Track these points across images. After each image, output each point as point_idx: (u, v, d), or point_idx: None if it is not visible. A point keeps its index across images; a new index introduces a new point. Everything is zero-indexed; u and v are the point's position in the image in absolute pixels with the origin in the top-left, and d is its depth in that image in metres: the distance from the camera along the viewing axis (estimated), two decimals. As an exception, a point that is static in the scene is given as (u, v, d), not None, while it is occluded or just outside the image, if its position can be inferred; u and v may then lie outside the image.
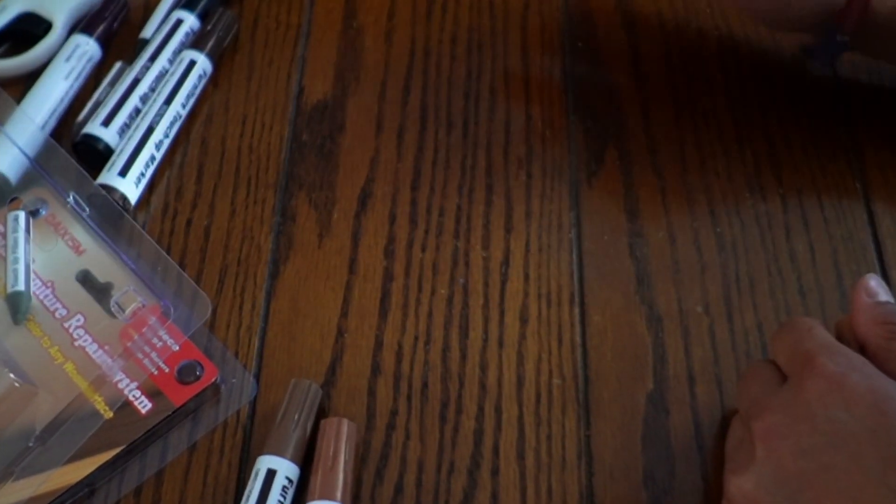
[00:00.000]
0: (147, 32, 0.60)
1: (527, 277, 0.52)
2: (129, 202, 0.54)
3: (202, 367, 0.48)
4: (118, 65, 0.59)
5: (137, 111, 0.56)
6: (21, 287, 0.50)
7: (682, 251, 0.53)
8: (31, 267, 0.51)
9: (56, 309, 0.50)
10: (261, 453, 0.46)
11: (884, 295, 0.43)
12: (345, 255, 0.53)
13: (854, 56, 0.57)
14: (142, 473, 0.47)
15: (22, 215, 0.52)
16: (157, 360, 0.48)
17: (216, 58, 0.59)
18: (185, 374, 0.48)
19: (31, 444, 0.46)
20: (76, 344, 0.49)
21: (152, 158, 0.55)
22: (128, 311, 0.50)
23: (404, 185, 0.55)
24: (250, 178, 0.56)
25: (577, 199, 0.55)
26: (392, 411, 0.48)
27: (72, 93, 0.58)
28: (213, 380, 0.48)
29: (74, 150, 0.56)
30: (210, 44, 0.59)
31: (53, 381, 0.48)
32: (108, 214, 0.52)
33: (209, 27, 0.59)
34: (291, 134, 0.57)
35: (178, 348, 0.49)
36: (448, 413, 0.48)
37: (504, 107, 0.58)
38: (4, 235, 0.52)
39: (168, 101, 0.56)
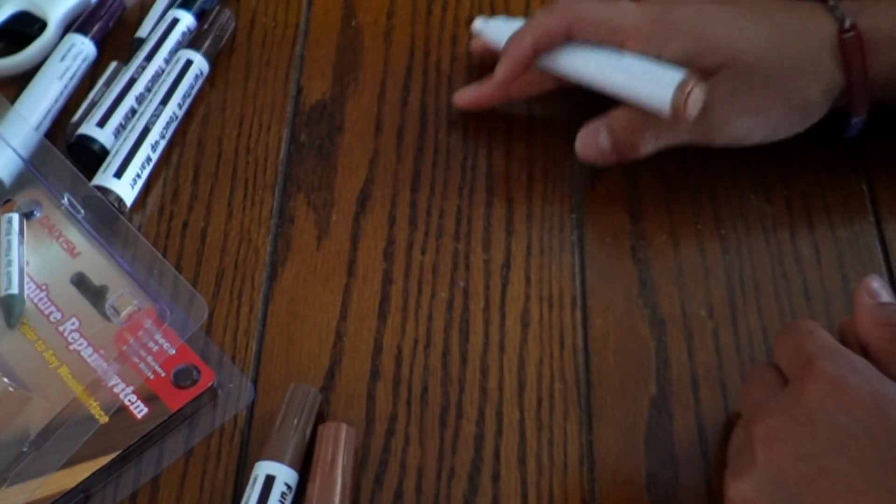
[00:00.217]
0: (143, 32, 0.60)
1: (528, 280, 0.52)
2: (124, 204, 0.54)
3: (199, 372, 0.48)
4: (113, 64, 0.59)
5: (133, 112, 0.56)
6: (15, 290, 0.50)
7: (685, 254, 0.53)
8: (25, 270, 0.51)
9: (50, 312, 0.50)
10: (259, 459, 0.46)
11: (886, 296, 0.43)
12: (343, 258, 0.53)
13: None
14: (137, 479, 0.47)
15: (16, 217, 0.52)
16: (152, 364, 0.49)
17: (213, 57, 0.59)
18: (182, 378, 0.48)
19: (25, 450, 0.46)
20: (71, 348, 0.49)
21: (148, 160, 0.55)
22: (123, 314, 0.50)
23: (404, 187, 0.56)
24: (248, 179, 0.56)
25: (579, 202, 0.55)
26: (391, 416, 0.49)
27: (66, 93, 0.58)
28: (209, 384, 0.48)
29: (69, 151, 0.56)
30: (207, 43, 0.59)
31: (48, 386, 0.48)
32: (104, 216, 0.53)
33: (206, 26, 0.60)
34: (289, 135, 0.58)
35: (174, 352, 0.49)
36: (448, 418, 0.48)
37: (505, 107, 0.58)
38: (-2, 238, 0.52)
39: (164, 101, 0.56)
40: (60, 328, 0.50)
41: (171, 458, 0.47)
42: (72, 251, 0.52)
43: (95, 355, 0.49)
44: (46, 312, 0.50)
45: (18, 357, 0.49)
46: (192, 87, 0.58)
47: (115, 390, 0.48)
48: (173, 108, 0.56)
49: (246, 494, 0.45)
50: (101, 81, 0.58)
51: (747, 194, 0.55)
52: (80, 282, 0.51)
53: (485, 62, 0.59)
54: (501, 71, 0.54)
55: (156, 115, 0.56)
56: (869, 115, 0.53)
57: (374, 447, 0.48)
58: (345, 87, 0.59)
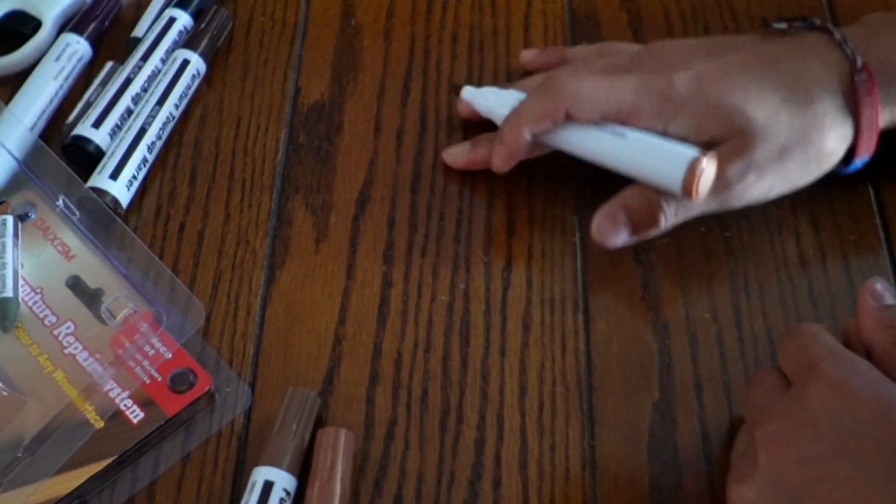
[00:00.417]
0: (139, 31, 0.61)
1: (529, 283, 0.53)
2: (120, 206, 0.54)
3: (196, 376, 0.48)
4: (109, 64, 0.59)
5: (129, 112, 0.57)
6: (9, 293, 0.50)
7: (689, 256, 0.53)
8: (20, 273, 0.51)
9: (45, 316, 0.50)
10: (256, 464, 0.46)
11: (890, 298, 0.43)
12: (342, 260, 0.53)
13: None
14: (133, 485, 0.47)
15: (10, 219, 0.52)
16: (149, 368, 0.49)
17: (210, 57, 0.60)
18: (178, 382, 0.48)
19: (19, 455, 0.46)
20: (66, 352, 0.49)
21: (144, 161, 0.55)
22: (119, 317, 0.50)
23: (403, 188, 0.56)
24: (245, 180, 0.56)
25: (581, 203, 0.55)
26: (391, 421, 0.49)
27: (61, 93, 0.58)
28: (206, 388, 0.48)
29: (64, 153, 0.56)
30: (204, 43, 0.59)
31: (42, 390, 0.48)
32: (99, 218, 0.53)
33: (203, 26, 0.60)
34: (287, 135, 0.58)
35: (170, 356, 0.49)
36: (448, 422, 0.49)
37: (506, 108, 0.58)
38: (-8, 240, 0.52)
39: (160, 101, 0.56)
40: (55, 332, 0.50)
41: (167, 464, 0.47)
42: (67, 254, 0.52)
43: (91, 359, 0.49)
44: (41, 316, 0.50)
45: (12, 361, 0.49)
46: (188, 87, 0.58)
47: (111, 395, 0.48)
48: (170, 108, 0.57)
49: (244, 500, 0.45)
50: (96, 82, 0.58)
51: (752, 196, 0.55)
52: (76, 285, 0.51)
53: (470, 123, 0.57)
54: (499, 160, 0.53)
55: (152, 116, 0.56)
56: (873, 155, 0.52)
57: (374, 452, 0.48)
58: (343, 88, 0.59)
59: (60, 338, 0.49)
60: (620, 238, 0.51)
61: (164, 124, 0.56)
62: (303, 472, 0.46)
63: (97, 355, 0.49)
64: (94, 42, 0.60)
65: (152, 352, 0.49)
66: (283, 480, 0.45)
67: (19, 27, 0.60)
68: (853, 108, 0.50)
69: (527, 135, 0.52)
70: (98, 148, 0.55)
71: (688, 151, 0.48)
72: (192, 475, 0.47)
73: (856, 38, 0.50)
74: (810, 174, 0.51)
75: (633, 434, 0.48)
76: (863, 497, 0.38)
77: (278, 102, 0.59)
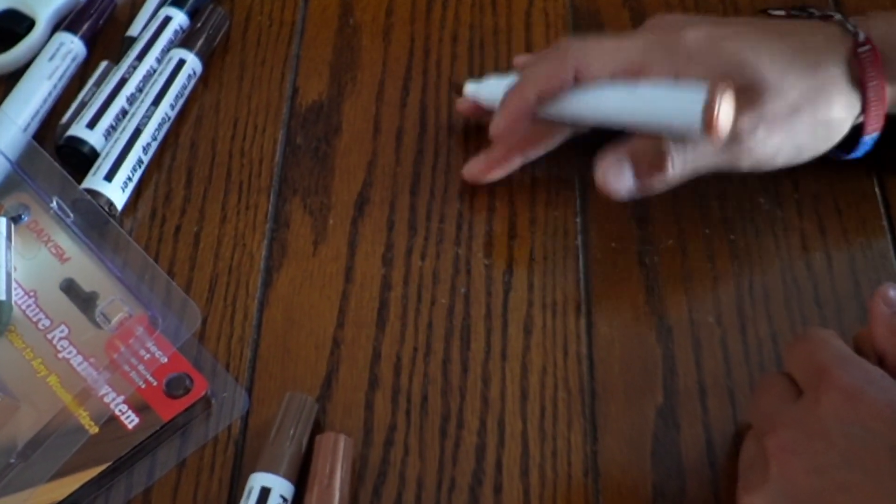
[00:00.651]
0: (134, 30, 0.61)
1: (531, 286, 0.53)
2: (115, 208, 0.54)
3: (192, 380, 0.49)
4: (104, 64, 0.59)
5: (124, 113, 0.57)
6: (2, 296, 0.50)
7: (693, 259, 0.54)
8: (13, 275, 0.52)
9: (39, 319, 0.50)
10: (253, 470, 0.46)
11: None
12: (341, 263, 0.54)
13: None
14: (129, 491, 0.47)
15: (3, 222, 0.53)
16: (144, 372, 0.49)
17: (206, 57, 0.60)
18: (174, 387, 0.48)
19: (12, 461, 0.47)
20: (60, 356, 0.49)
21: (139, 162, 0.55)
22: (114, 321, 0.50)
23: (403, 190, 0.56)
24: (242, 182, 0.56)
25: (583, 206, 0.55)
26: (390, 426, 0.49)
27: (55, 93, 0.59)
28: (203, 393, 0.48)
29: (58, 154, 0.56)
30: (200, 42, 0.59)
31: (36, 395, 0.48)
32: (94, 221, 0.53)
33: (199, 25, 0.60)
34: (285, 136, 0.58)
35: (166, 360, 0.49)
36: (449, 428, 0.49)
37: (507, 108, 0.58)
38: (-15, 242, 0.52)
39: (156, 102, 0.57)
40: (49, 336, 0.50)
41: (163, 470, 0.48)
42: (61, 256, 0.52)
43: (85, 364, 0.49)
44: (35, 319, 0.50)
45: (6, 365, 0.49)
46: (184, 87, 0.58)
47: (106, 400, 0.48)
48: (165, 108, 0.57)
49: (240, 507, 0.45)
50: (90, 81, 0.59)
51: (757, 199, 0.55)
52: (70, 288, 0.51)
53: (471, 124, 0.58)
54: (500, 125, 0.52)
55: (147, 117, 0.56)
56: (882, 131, 0.52)
57: (373, 458, 0.48)
58: (342, 88, 0.60)
59: (54, 342, 0.50)
60: (625, 184, 0.50)
61: (160, 125, 0.56)
62: (300, 479, 0.46)
63: (92, 359, 0.49)
64: (89, 41, 0.61)
65: (147, 356, 0.49)
66: (281, 487, 0.45)
67: (12, 26, 0.61)
68: (859, 80, 0.50)
69: (532, 96, 0.51)
70: (92, 149, 0.56)
71: (702, 88, 0.47)
72: (188, 481, 0.47)
73: (855, 21, 0.51)
74: (817, 141, 0.51)
75: (636, 439, 0.48)
76: None
77: (276, 103, 0.59)
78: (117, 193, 0.54)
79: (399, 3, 0.63)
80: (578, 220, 0.55)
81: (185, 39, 0.60)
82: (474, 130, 0.57)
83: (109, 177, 0.54)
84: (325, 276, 0.53)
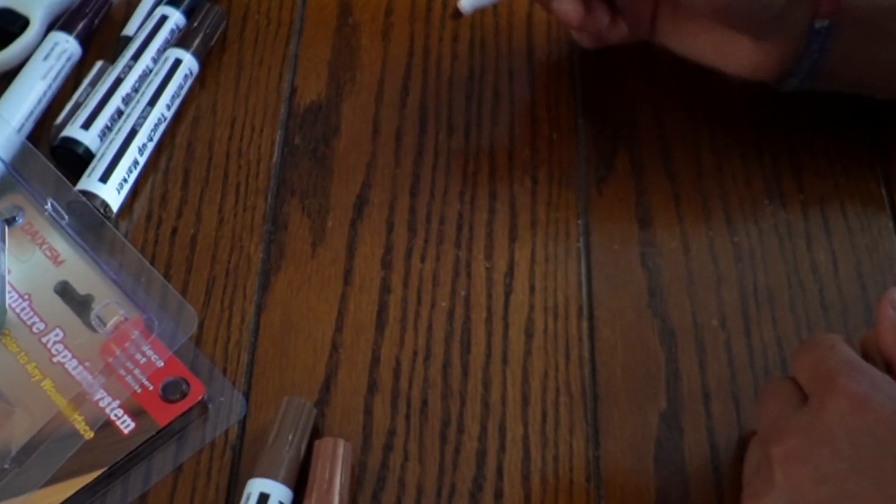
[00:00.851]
0: (130, 30, 0.61)
1: (532, 289, 0.53)
2: (110, 209, 0.54)
3: (188, 385, 0.49)
4: (99, 64, 0.60)
5: (119, 113, 0.57)
6: (-4, 299, 0.51)
7: (696, 261, 0.54)
8: (7, 278, 0.52)
9: (33, 323, 0.51)
10: (251, 476, 0.46)
11: None
12: (340, 266, 0.54)
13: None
14: (124, 497, 0.47)
15: (-3, 223, 0.53)
16: (140, 376, 0.49)
17: (203, 56, 0.60)
18: (171, 391, 0.49)
19: (6, 466, 0.47)
20: (55, 360, 0.49)
21: (135, 163, 0.55)
22: (109, 324, 0.50)
23: (403, 192, 0.56)
24: (239, 183, 0.56)
25: (585, 207, 0.55)
26: (390, 431, 0.49)
27: (50, 94, 0.59)
28: (199, 398, 0.48)
29: (52, 155, 0.56)
30: (196, 42, 0.59)
31: (30, 399, 0.48)
32: (89, 222, 0.53)
33: (195, 24, 0.60)
34: (283, 137, 0.58)
35: (162, 364, 0.49)
36: (449, 433, 0.49)
37: (508, 108, 0.58)
38: (-21, 245, 0.52)
39: (152, 102, 0.57)
40: (44, 339, 0.50)
41: (159, 476, 0.48)
42: (55, 259, 0.52)
43: (80, 367, 0.49)
44: (29, 323, 0.50)
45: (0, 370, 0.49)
46: (181, 87, 0.58)
47: (101, 404, 0.48)
48: (161, 109, 0.57)
49: (238, 513, 0.45)
50: (85, 81, 0.59)
51: (761, 199, 0.55)
52: (65, 291, 0.51)
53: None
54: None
55: (143, 117, 0.56)
56: (832, 28, 0.51)
57: (372, 463, 0.48)
58: (341, 88, 0.60)
59: (49, 345, 0.50)
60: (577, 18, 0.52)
61: (156, 125, 0.57)
62: (299, 484, 0.46)
63: (87, 363, 0.49)
64: (84, 41, 0.61)
65: (143, 360, 0.49)
66: (279, 493, 0.46)
67: (6, 25, 0.61)
68: None
69: None
70: (87, 150, 0.56)
71: None
72: (184, 487, 0.48)
73: None
74: (752, 8, 0.50)
75: (639, 445, 0.48)
76: None
77: (273, 103, 0.59)
78: (113, 195, 0.54)
79: (399, 1, 0.63)
80: (580, 221, 0.55)
81: (182, 39, 0.60)
82: (475, 132, 0.58)
83: (105, 178, 0.54)
84: (324, 279, 0.53)
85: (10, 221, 0.53)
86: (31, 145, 0.55)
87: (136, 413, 0.48)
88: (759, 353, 0.51)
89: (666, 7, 0.55)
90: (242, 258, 0.54)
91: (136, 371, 0.49)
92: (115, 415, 0.48)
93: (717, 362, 0.51)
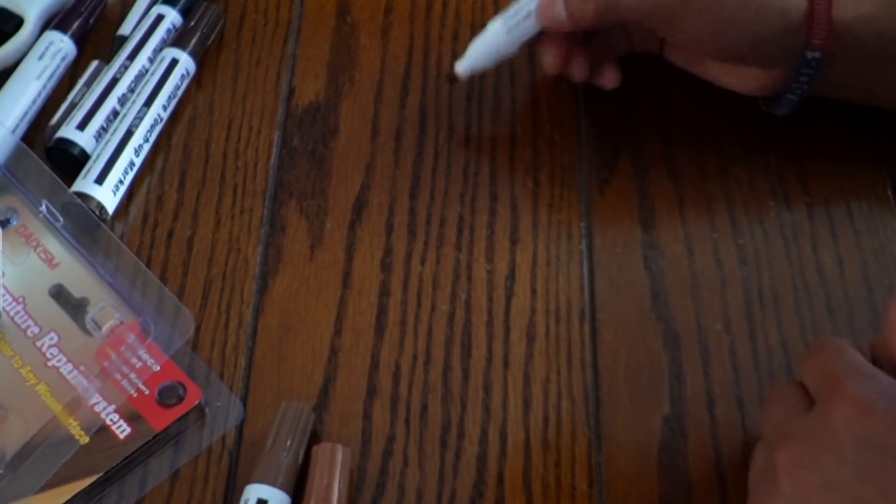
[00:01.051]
0: (125, 29, 0.61)
1: (534, 292, 0.53)
2: (106, 211, 0.54)
3: (185, 389, 0.49)
4: (94, 64, 0.60)
5: (115, 114, 0.57)
6: (-10, 303, 0.51)
7: (700, 264, 0.54)
8: (1, 281, 0.52)
9: (28, 326, 0.51)
10: (248, 482, 0.46)
11: None
12: (338, 269, 0.54)
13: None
14: (120, 503, 0.47)
15: (-9, 226, 0.53)
16: (136, 381, 0.49)
17: (200, 56, 0.60)
18: (167, 396, 0.49)
19: (0, 472, 0.47)
20: (49, 364, 0.49)
21: (131, 164, 0.55)
22: (105, 328, 0.50)
23: (402, 193, 0.56)
24: (236, 185, 0.56)
25: (587, 209, 0.56)
26: (389, 436, 0.49)
27: (45, 94, 0.59)
28: (196, 402, 0.49)
29: (47, 156, 0.56)
30: (193, 41, 0.60)
31: (25, 404, 0.48)
32: (84, 225, 0.53)
33: (192, 23, 0.60)
34: (281, 138, 0.58)
35: (158, 369, 0.49)
36: (449, 438, 0.49)
37: (509, 109, 0.58)
38: (-28, 247, 0.52)
39: (148, 102, 0.57)
40: (38, 343, 0.50)
41: (155, 481, 0.48)
42: (50, 261, 0.52)
43: (75, 372, 0.49)
44: (23, 326, 0.51)
45: (-7, 374, 0.49)
46: (177, 87, 0.58)
47: (97, 409, 0.48)
48: (158, 109, 0.57)
49: (235, 519, 0.45)
50: (81, 82, 0.59)
51: (766, 201, 0.56)
52: (59, 294, 0.52)
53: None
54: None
55: (139, 118, 0.56)
56: (823, 60, 0.52)
57: (371, 469, 0.48)
58: (339, 88, 0.60)
59: (44, 349, 0.50)
60: (555, 18, 0.53)
61: (152, 126, 0.57)
62: (297, 490, 0.47)
63: (82, 368, 0.49)
64: (79, 40, 0.61)
65: (139, 364, 0.49)
66: (277, 499, 0.46)
67: (0, 25, 0.61)
68: None
69: None
70: (83, 151, 0.56)
71: None
72: (181, 493, 0.48)
73: None
74: (741, 29, 0.51)
75: (642, 450, 0.49)
76: None
77: (271, 103, 0.59)
78: (108, 197, 0.54)
79: (398, 0, 0.63)
80: (582, 223, 0.55)
81: (178, 38, 0.60)
82: (476, 133, 0.58)
83: (100, 180, 0.54)
84: (322, 282, 0.53)
85: (5, 223, 0.53)
86: (25, 146, 0.55)
87: (131, 418, 0.48)
88: (763, 357, 0.51)
89: (673, 44, 0.57)
90: (240, 261, 0.54)
91: (132, 375, 0.49)
92: (111, 420, 0.48)
93: (721, 366, 0.51)
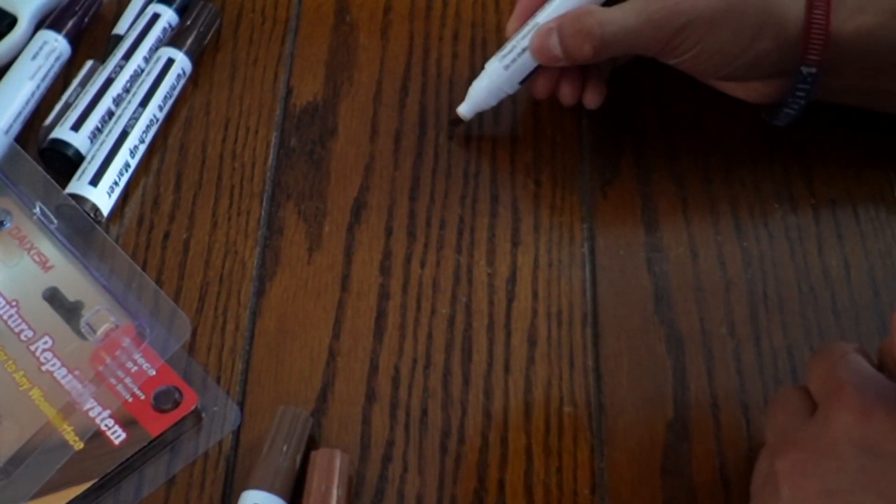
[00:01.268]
0: (121, 28, 0.61)
1: (535, 296, 0.53)
2: (101, 213, 0.54)
3: (181, 394, 0.49)
4: (89, 63, 0.60)
5: (110, 114, 0.57)
6: (-17, 306, 0.51)
7: (704, 267, 0.54)
8: (-6, 284, 0.52)
9: (21, 330, 0.51)
10: (245, 488, 0.46)
11: None
12: (337, 272, 0.54)
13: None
14: (115, 510, 0.47)
15: (-16, 228, 0.53)
16: (131, 385, 0.49)
17: (196, 56, 0.60)
18: (163, 401, 0.49)
19: (-6, 478, 0.47)
20: (43, 368, 0.50)
21: (126, 166, 0.55)
22: (100, 332, 0.50)
23: (402, 195, 0.56)
24: (233, 187, 0.56)
25: (590, 210, 0.56)
26: (388, 441, 0.49)
27: (38, 94, 0.59)
28: (192, 407, 0.49)
29: (41, 157, 0.56)
30: (189, 40, 0.60)
31: (18, 409, 0.48)
32: (78, 227, 0.53)
33: (189, 22, 0.60)
34: (278, 139, 0.58)
35: (154, 373, 0.49)
36: (449, 443, 0.49)
37: (510, 109, 0.59)
38: (-35, 250, 0.53)
39: (144, 103, 0.57)
40: (32, 347, 0.50)
41: (151, 487, 0.48)
42: (44, 264, 0.52)
43: (70, 376, 0.49)
44: (17, 330, 0.51)
45: (-13, 378, 0.49)
46: (173, 87, 0.58)
47: (91, 414, 0.48)
48: (153, 110, 0.57)
49: (232, 526, 0.45)
50: (75, 82, 0.59)
51: (771, 203, 0.56)
52: (53, 297, 0.52)
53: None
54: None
55: (135, 118, 0.56)
56: (818, 77, 0.52)
57: (370, 475, 0.48)
58: (338, 88, 0.60)
59: (37, 353, 0.50)
60: (552, 44, 0.53)
61: (148, 127, 0.57)
62: (294, 496, 0.47)
63: (76, 372, 0.49)
64: (74, 39, 0.61)
65: (135, 368, 0.49)
66: (274, 505, 0.46)
67: (-7, 24, 0.61)
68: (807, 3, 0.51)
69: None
70: (77, 152, 0.56)
71: None
72: (177, 499, 0.48)
73: None
74: (739, 44, 0.52)
75: (645, 456, 0.49)
76: None
77: (269, 103, 0.59)
78: (103, 198, 0.54)
79: (397, -1, 0.63)
80: (585, 226, 0.55)
81: (174, 37, 0.60)
82: (476, 133, 0.58)
83: (95, 181, 0.54)
84: (321, 285, 0.53)
85: (-2, 226, 0.54)
86: (18, 147, 0.56)
87: (127, 423, 0.48)
88: (768, 361, 0.51)
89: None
90: (237, 263, 0.54)
91: (128, 380, 0.49)
92: (106, 425, 0.48)
93: (725, 371, 0.51)
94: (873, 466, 0.38)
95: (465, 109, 0.56)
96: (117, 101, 0.58)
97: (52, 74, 0.60)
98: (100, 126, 0.57)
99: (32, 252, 0.53)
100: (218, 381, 0.50)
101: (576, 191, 0.56)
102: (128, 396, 0.49)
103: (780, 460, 0.41)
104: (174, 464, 0.48)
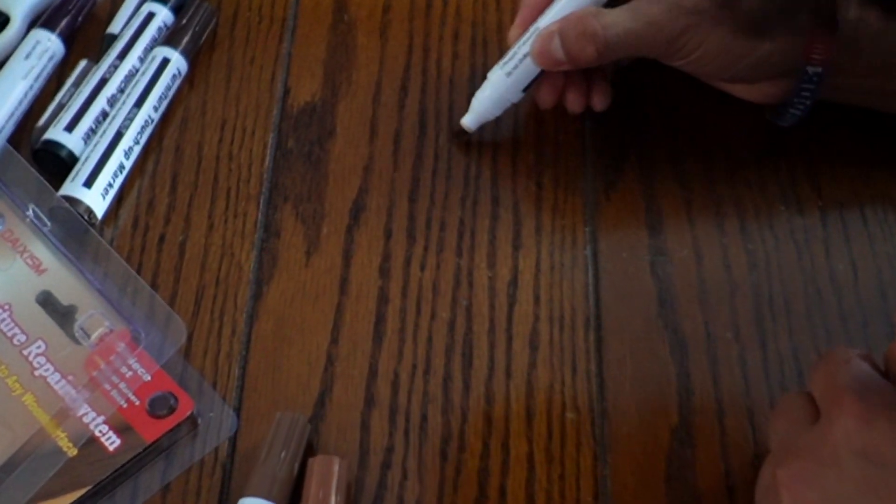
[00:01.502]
0: (115, 27, 0.61)
1: (537, 299, 0.53)
2: (95, 216, 0.54)
3: (176, 400, 0.49)
4: (83, 63, 0.60)
5: (104, 115, 0.57)
6: (-25, 310, 0.51)
7: (709, 270, 0.54)
8: (-13, 288, 0.52)
9: (14, 334, 0.51)
10: (242, 495, 0.46)
11: None
12: (335, 275, 0.54)
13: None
14: (109, 517, 0.47)
15: (-24, 230, 0.53)
16: (126, 391, 0.49)
17: (192, 55, 0.60)
18: (158, 406, 0.49)
19: (-14, 485, 0.47)
20: (36, 373, 0.50)
21: (121, 167, 0.55)
22: (94, 336, 0.50)
23: (401, 197, 0.56)
24: (230, 188, 0.56)
25: (592, 213, 0.56)
26: (387, 448, 0.49)
27: (31, 94, 0.59)
28: (188, 413, 0.49)
29: (34, 158, 0.56)
30: (185, 40, 0.60)
31: (11, 415, 0.48)
32: (72, 229, 0.53)
33: (184, 21, 0.60)
34: (276, 140, 0.58)
35: (149, 378, 0.49)
36: (449, 450, 0.49)
37: (512, 110, 0.58)
38: (-43, 253, 0.53)
39: (139, 103, 0.57)
40: (25, 352, 0.50)
41: (146, 495, 0.48)
42: (37, 267, 0.52)
43: (63, 382, 0.49)
44: (10, 334, 0.51)
45: (-21, 383, 0.49)
46: (169, 87, 0.58)
47: (85, 420, 0.48)
48: (148, 110, 0.57)
49: (228, 534, 0.45)
50: (69, 82, 0.59)
51: (777, 205, 0.56)
52: (47, 301, 0.52)
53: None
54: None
55: (129, 119, 0.56)
56: (823, 77, 0.53)
57: (369, 482, 0.48)
58: (336, 88, 0.60)
59: (30, 358, 0.50)
60: (554, 48, 0.53)
61: (143, 128, 0.57)
62: (292, 504, 0.47)
63: (70, 377, 0.49)
64: (67, 39, 0.61)
65: (130, 374, 0.49)
66: (272, 512, 0.46)
67: (-14, 23, 0.61)
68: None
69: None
70: (71, 153, 0.56)
71: None
72: (172, 507, 0.48)
73: None
74: (740, 44, 0.52)
75: (649, 462, 0.49)
76: None
77: (266, 104, 0.59)
78: (97, 201, 0.54)
79: (396, -2, 0.63)
80: (587, 228, 0.55)
81: (170, 37, 0.60)
82: (477, 134, 0.58)
83: (89, 183, 0.54)
84: (319, 289, 0.53)
85: (-10, 228, 0.54)
86: (11, 148, 0.56)
87: (121, 429, 0.48)
88: (774, 366, 0.51)
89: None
90: (233, 266, 0.54)
91: (122, 385, 0.49)
92: (100, 431, 0.48)
93: (730, 375, 0.51)
94: (875, 475, 0.38)
95: (469, 121, 0.56)
96: (112, 101, 0.58)
97: (45, 74, 0.60)
98: (94, 127, 0.57)
99: (25, 255, 0.53)
100: (214, 386, 0.50)
101: (578, 193, 0.56)
102: (122, 402, 0.49)
103: (782, 468, 0.41)
104: (169, 471, 0.48)
